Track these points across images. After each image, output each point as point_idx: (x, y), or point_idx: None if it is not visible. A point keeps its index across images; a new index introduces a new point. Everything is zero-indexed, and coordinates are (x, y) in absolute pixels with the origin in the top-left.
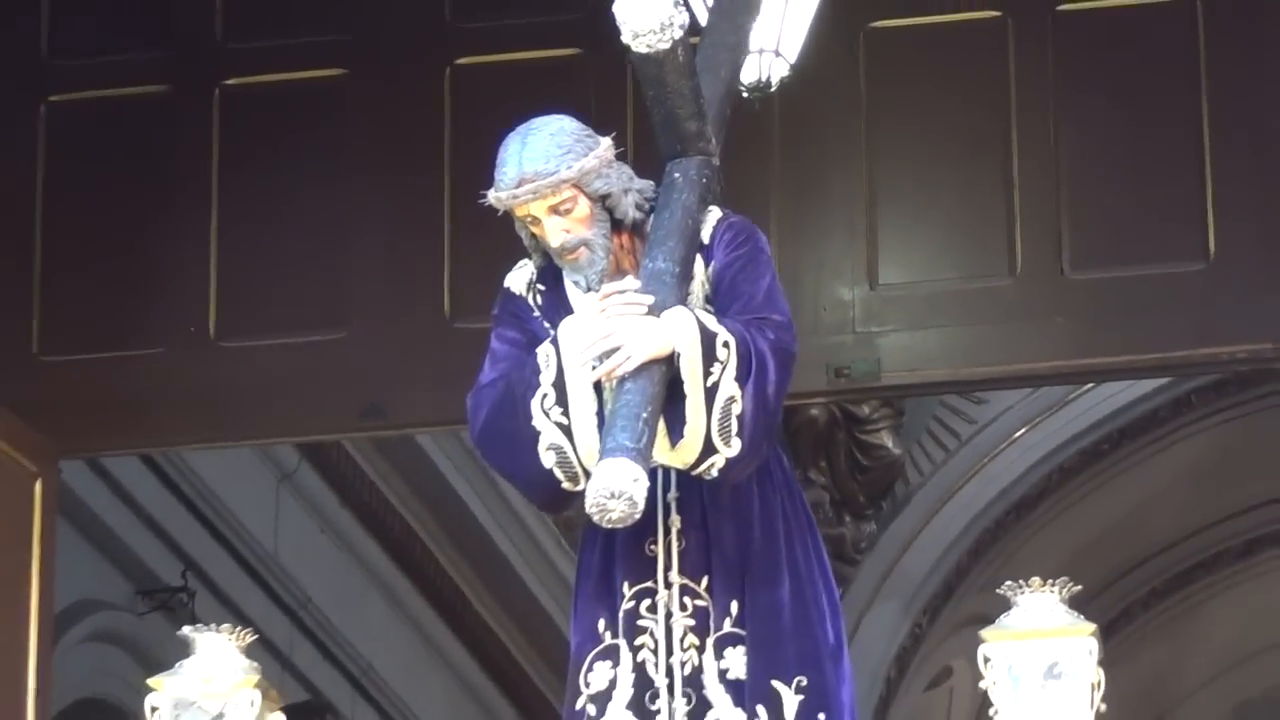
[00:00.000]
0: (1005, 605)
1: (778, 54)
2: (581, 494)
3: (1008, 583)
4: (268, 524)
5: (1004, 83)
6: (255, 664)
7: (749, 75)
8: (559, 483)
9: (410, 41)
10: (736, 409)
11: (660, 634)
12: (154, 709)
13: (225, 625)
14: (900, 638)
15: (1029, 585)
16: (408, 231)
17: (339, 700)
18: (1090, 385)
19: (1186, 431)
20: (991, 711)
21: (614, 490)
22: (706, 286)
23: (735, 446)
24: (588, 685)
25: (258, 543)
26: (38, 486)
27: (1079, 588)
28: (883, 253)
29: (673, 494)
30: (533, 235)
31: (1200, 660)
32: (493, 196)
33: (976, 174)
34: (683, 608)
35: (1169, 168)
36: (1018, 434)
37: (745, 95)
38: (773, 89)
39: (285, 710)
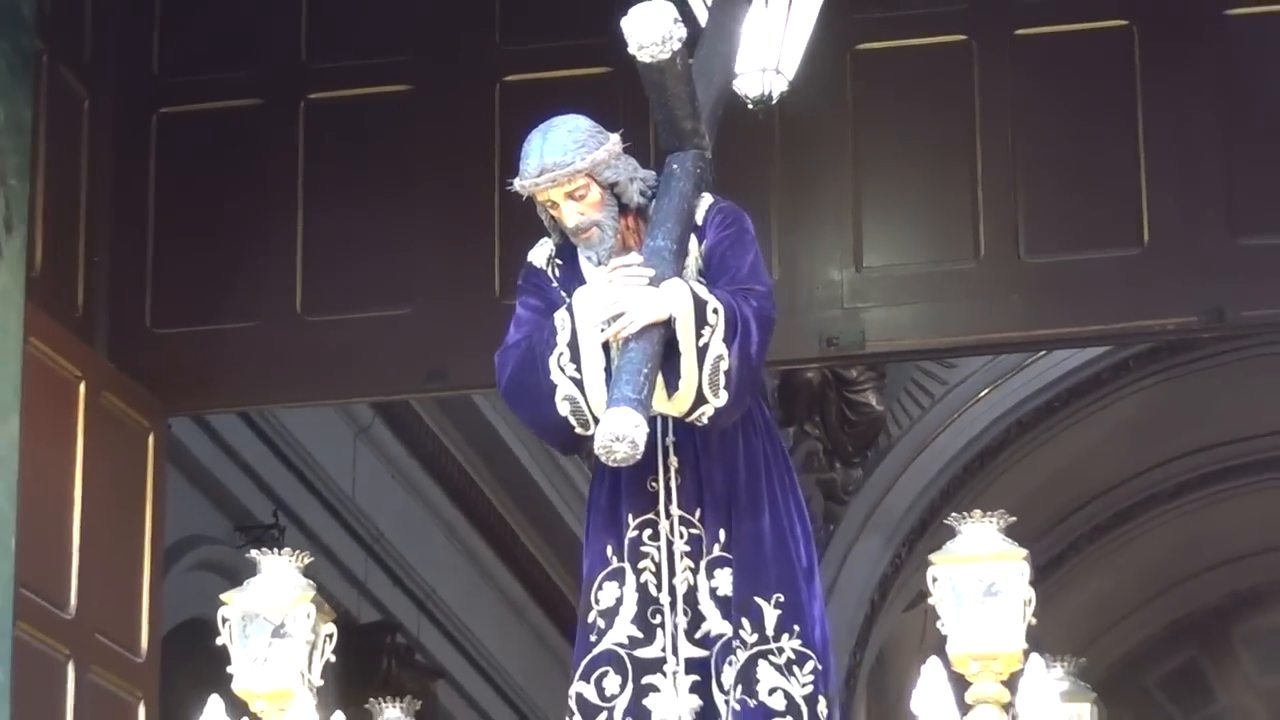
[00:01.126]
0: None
1: (778, 72)
2: (591, 438)
3: (953, 514)
4: (346, 471)
5: (969, 97)
6: (311, 582)
7: (753, 90)
8: (572, 428)
9: (466, 61)
10: (724, 365)
11: (660, 558)
12: (225, 620)
13: (288, 550)
14: (883, 567)
15: (970, 517)
16: (464, 223)
17: (406, 620)
18: (1042, 353)
19: (1124, 392)
20: (939, 624)
21: (618, 434)
22: (700, 262)
23: (723, 397)
24: (597, 602)
25: (337, 486)
26: (150, 440)
27: (1013, 519)
28: (866, 241)
29: (670, 438)
30: (552, 217)
31: (1136, 586)
32: (518, 184)
33: (946, 174)
34: (679, 535)
35: (1109, 168)
36: (981, 394)
37: (750, 107)
38: (774, 102)
39: (364, 629)
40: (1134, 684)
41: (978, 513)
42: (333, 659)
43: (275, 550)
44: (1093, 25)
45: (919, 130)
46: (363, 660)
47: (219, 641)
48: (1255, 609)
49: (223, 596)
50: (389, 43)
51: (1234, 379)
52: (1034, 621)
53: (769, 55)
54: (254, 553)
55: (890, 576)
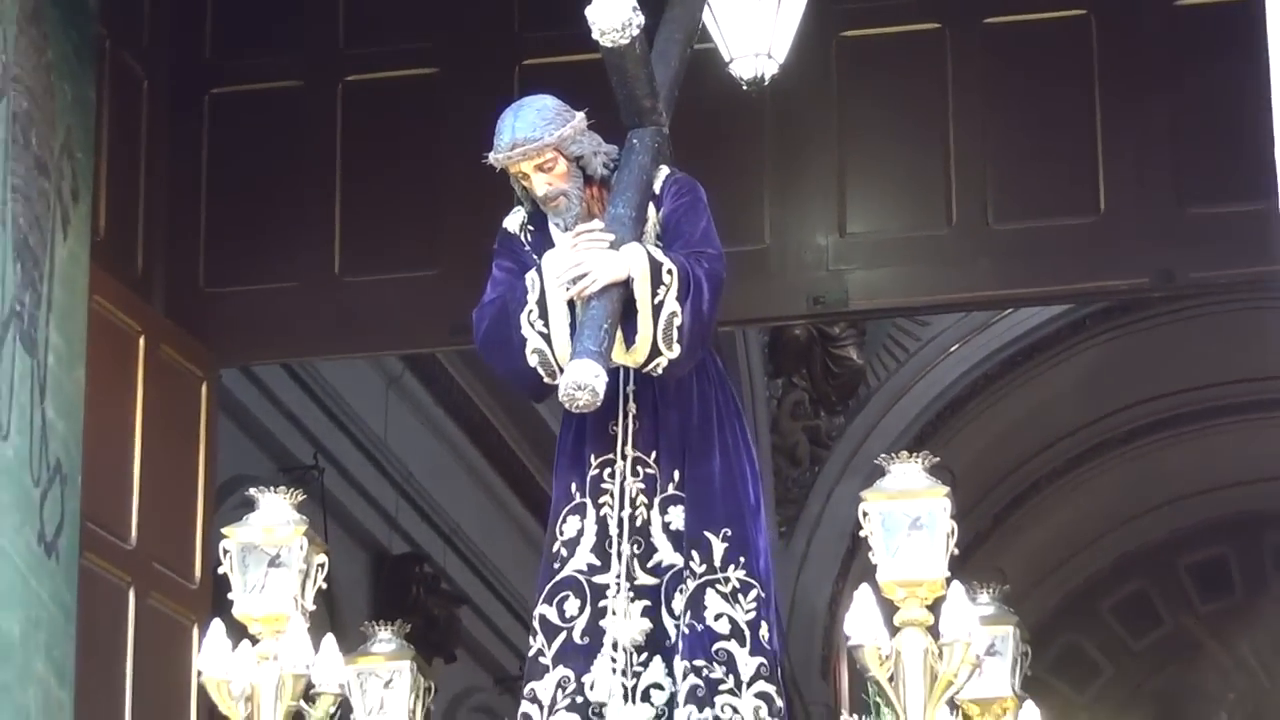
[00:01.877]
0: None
1: (769, 57)
2: (557, 386)
3: (882, 455)
4: (379, 417)
5: (943, 79)
6: (303, 517)
7: (747, 73)
8: (540, 378)
9: (487, 47)
10: (677, 321)
11: (617, 494)
12: (226, 551)
13: (282, 488)
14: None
15: (897, 456)
16: (484, 193)
17: (433, 551)
18: (1009, 310)
19: (1082, 347)
20: (870, 554)
21: (581, 383)
22: (657, 227)
23: (676, 350)
24: (561, 534)
25: (371, 431)
26: (203, 388)
27: (937, 459)
28: (849, 210)
29: (630, 387)
30: (524, 187)
31: (1091, 522)
32: (492, 157)
33: (921, 150)
34: (635, 474)
35: (1069, 144)
36: (952, 348)
37: (744, 89)
38: (765, 84)
39: (395, 559)
40: (1089, 610)
41: (904, 452)
42: (355, 577)
43: (323, 493)
44: (1054, 14)
45: (897, 110)
46: (395, 588)
47: (219, 570)
48: (1197, 543)
49: (223, 530)
50: (418, 30)
51: (1180, 336)
52: (956, 552)
53: (761, 41)
54: (251, 490)
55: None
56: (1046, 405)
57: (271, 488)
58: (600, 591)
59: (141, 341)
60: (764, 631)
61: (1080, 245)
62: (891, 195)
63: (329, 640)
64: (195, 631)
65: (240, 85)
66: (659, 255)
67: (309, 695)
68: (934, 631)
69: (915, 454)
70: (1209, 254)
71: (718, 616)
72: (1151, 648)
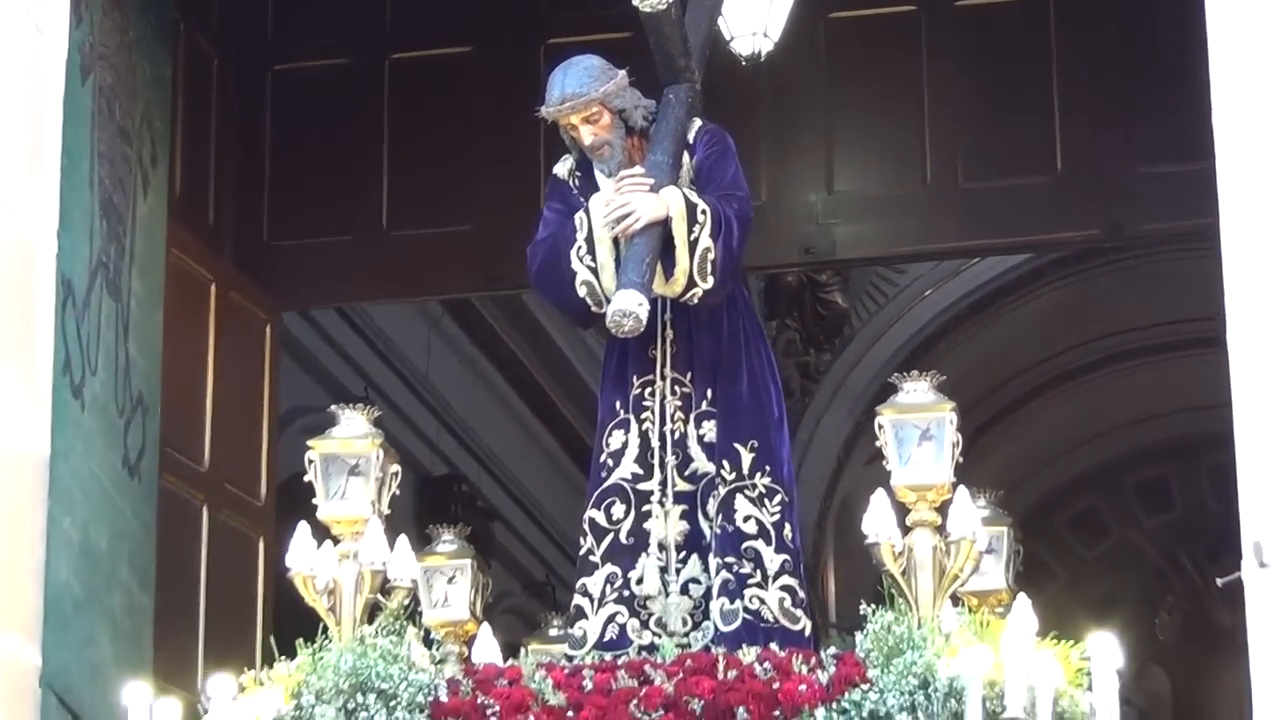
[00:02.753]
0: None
1: (765, 35)
2: (604, 315)
3: (895, 375)
4: (421, 355)
5: (918, 55)
6: (379, 431)
7: (746, 49)
8: (589, 307)
9: (517, 28)
10: (711, 256)
11: (657, 411)
12: (310, 461)
13: (360, 404)
14: (846, 431)
15: (910, 376)
16: (515, 157)
17: (469, 473)
18: (976, 260)
19: (1040, 291)
20: (885, 463)
21: (626, 311)
22: (691, 173)
23: (710, 281)
24: (607, 446)
25: (415, 367)
26: (267, 330)
27: (944, 378)
28: (836, 171)
29: (668, 315)
30: (572, 138)
31: (1048, 445)
32: (544, 110)
33: (900, 118)
34: (673, 393)
35: (1030, 111)
36: (926, 293)
37: (744, 63)
38: (762, 59)
39: (436, 480)
40: (1046, 523)
41: (915, 372)
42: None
43: (373, 421)
44: None
45: (877, 82)
46: (435, 505)
47: (306, 479)
48: (1142, 464)
49: (309, 443)
50: (455, 13)
51: (1128, 281)
52: (961, 460)
53: (758, 22)
54: (333, 407)
55: (852, 439)
56: (1009, 343)
57: (350, 405)
58: (644, 497)
59: (213, 288)
60: (787, 532)
61: (1039, 201)
62: (873, 158)
63: (402, 540)
64: (260, 544)
65: (298, 63)
66: (693, 197)
67: (384, 589)
68: (941, 531)
69: (923, 373)
70: (1154, 209)
71: (746, 518)
72: (1101, 556)
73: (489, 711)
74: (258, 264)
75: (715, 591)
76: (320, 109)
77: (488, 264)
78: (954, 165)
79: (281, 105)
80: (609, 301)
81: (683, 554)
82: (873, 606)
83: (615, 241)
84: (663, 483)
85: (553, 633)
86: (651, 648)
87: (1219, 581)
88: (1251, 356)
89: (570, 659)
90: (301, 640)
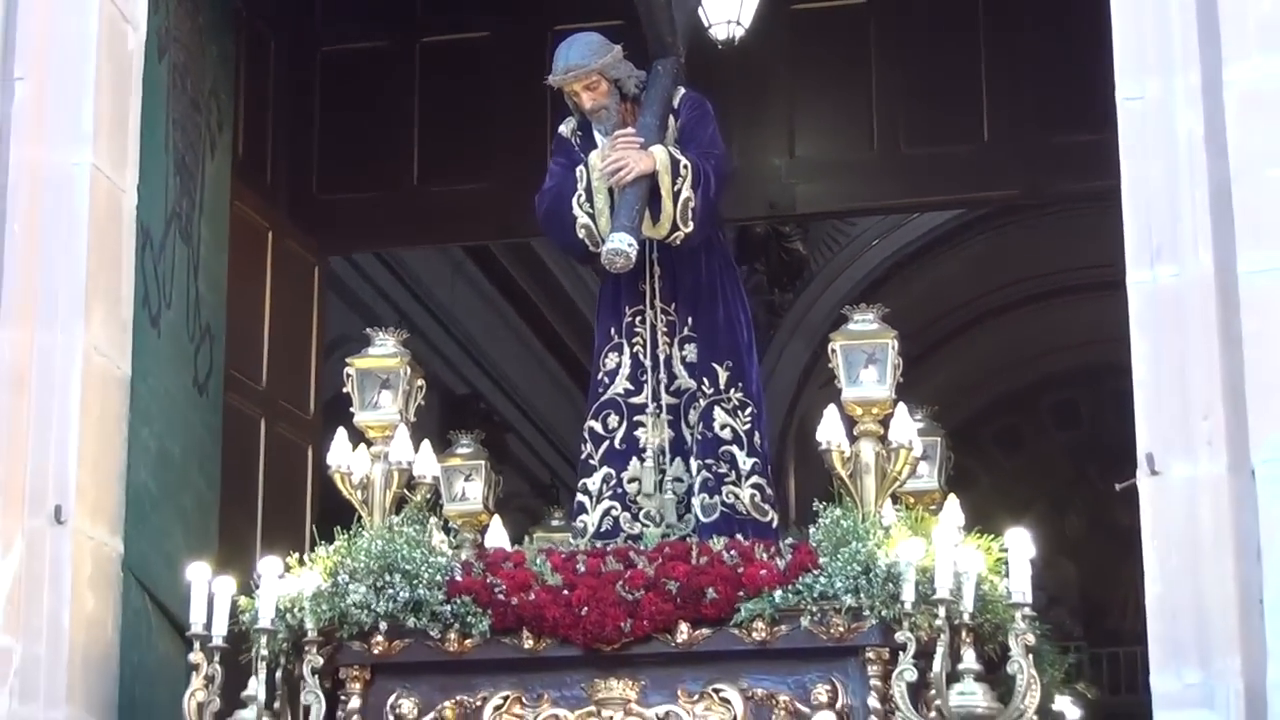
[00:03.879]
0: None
1: (738, 24)
2: (600, 253)
3: (846, 307)
4: (447, 293)
5: (867, 41)
6: (408, 351)
7: (722, 35)
8: (587, 246)
9: (525, 14)
10: (691, 204)
11: (646, 335)
12: (349, 376)
13: (390, 328)
14: (805, 359)
15: (858, 309)
16: (526, 126)
17: (486, 391)
18: (915, 214)
19: (969, 242)
20: (836, 381)
21: (618, 250)
22: (675, 133)
23: (690, 225)
24: (603, 366)
25: (441, 303)
26: (315, 271)
27: (887, 310)
28: (796, 139)
29: (655, 254)
30: (574, 102)
31: (975, 372)
32: (552, 79)
33: (851, 93)
34: (660, 320)
35: (961, 90)
36: (874, 242)
37: (720, 47)
38: (735, 43)
39: (458, 398)
40: (974, 438)
41: (863, 305)
42: (428, 410)
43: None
44: None
45: (833, 63)
46: (457, 420)
47: (345, 390)
48: (1055, 388)
49: (348, 360)
50: (475, 3)
51: (1044, 233)
52: (901, 380)
53: (733, 11)
54: (368, 330)
55: (810, 366)
56: (943, 285)
57: (383, 328)
58: (635, 409)
59: (269, 236)
60: (757, 439)
61: (968, 165)
62: (828, 128)
63: (425, 443)
64: (309, 450)
65: (343, 45)
66: (677, 154)
67: (410, 485)
68: (883, 440)
69: (869, 305)
70: (1065, 172)
71: (723, 426)
72: (1019, 466)
73: (496, 590)
74: (307, 215)
75: (696, 488)
76: (361, 84)
77: (502, 216)
78: (897, 134)
79: (328, 81)
80: (604, 242)
81: (668, 457)
82: (824, 504)
83: (610, 191)
84: (651, 397)
85: (554, 524)
86: (638, 537)
87: (1117, 487)
88: (1145, 298)
89: (570, 546)
90: (340, 529)
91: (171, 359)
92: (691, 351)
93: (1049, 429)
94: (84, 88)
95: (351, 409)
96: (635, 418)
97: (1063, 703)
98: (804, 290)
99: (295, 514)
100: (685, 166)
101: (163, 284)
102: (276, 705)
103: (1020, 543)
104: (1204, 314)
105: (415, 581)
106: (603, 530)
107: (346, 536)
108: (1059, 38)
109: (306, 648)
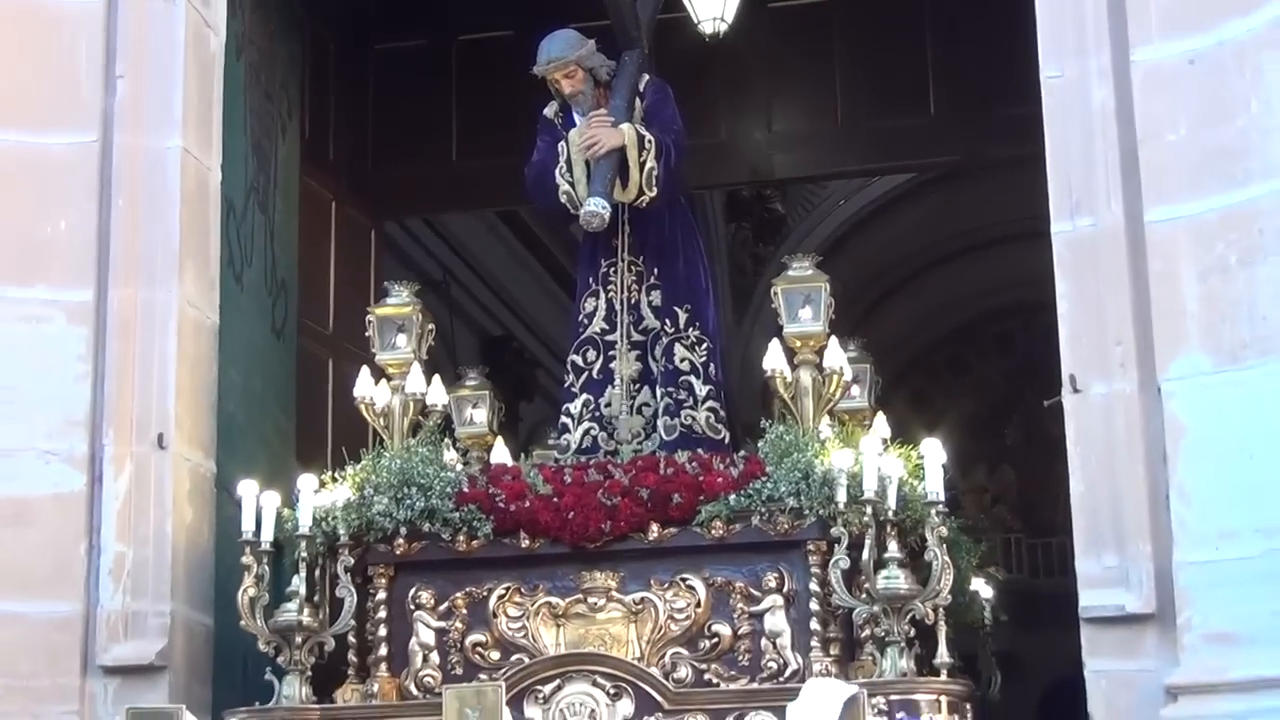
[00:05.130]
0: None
1: (723, 20)
2: (579, 215)
3: (785, 256)
4: (483, 249)
5: (832, 35)
6: (420, 302)
7: (708, 29)
8: (568, 210)
9: (543, 15)
10: (655, 173)
11: (618, 283)
12: (370, 322)
13: (406, 281)
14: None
15: (797, 258)
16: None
17: (518, 333)
18: (875, 178)
19: (922, 199)
20: (779, 320)
21: (594, 212)
22: (642, 114)
23: (654, 190)
24: (583, 310)
25: (477, 258)
26: (371, 234)
27: (820, 257)
28: (774, 116)
29: (625, 215)
30: (556, 88)
31: (928, 309)
32: (536, 69)
33: (819, 78)
34: (629, 270)
35: (912, 72)
36: (840, 203)
37: (708, 40)
38: (720, 37)
39: (494, 339)
40: (928, 364)
41: (800, 254)
42: (468, 350)
43: (450, 300)
44: None
45: (804, 52)
46: (494, 356)
47: (367, 332)
48: (995, 321)
49: (369, 309)
50: (502, 5)
51: (982, 192)
52: (833, 317)
53: (717, 9)
54: (387, 283)
55: None
56: (899, 236)
57: (398, 283)
58: (609, 345)
59: (332, 205)
60: (712, 369)
61: (918, 135)
62: (800, 106)
63: (436, 377)
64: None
65: (391, 44)
66: (643, 130)
67: (424, 412)
68: (819, 368)
69: (804, 255)
70: (999, 140)
71: (682, 360)
72: (966, 386)
73: (497, 499)
74: (364, 187)
75: (660, 412)
76: (407, 76)
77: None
78: (857, 111)
79: (379, 74)
80: (582, 205)
81: (637, 385)
82: (770, 422)
83: (586, 163)
84: (623, 335)
85: (550, 443)
86: (614, 453)
87: (1046, 403)
88: (1066, 245)
89: (557, 461)
90: (362, 450)
91: (252, 309)
92: (656, 296)
93: (990, 356)
94: (174, 83)
95: (373, 349)
96: (609, 352)
97: (977, 583)
98: (783, 243)
99: (359, 438)
100: (650, 141)
101: (244, 247)
102: (315, 599)
103: (934, 451)
104: (1115, 257)
105: (429, 493)
106: (584, 447)
107: (371, 456)
108: (992, 28)
109: (339, 550)
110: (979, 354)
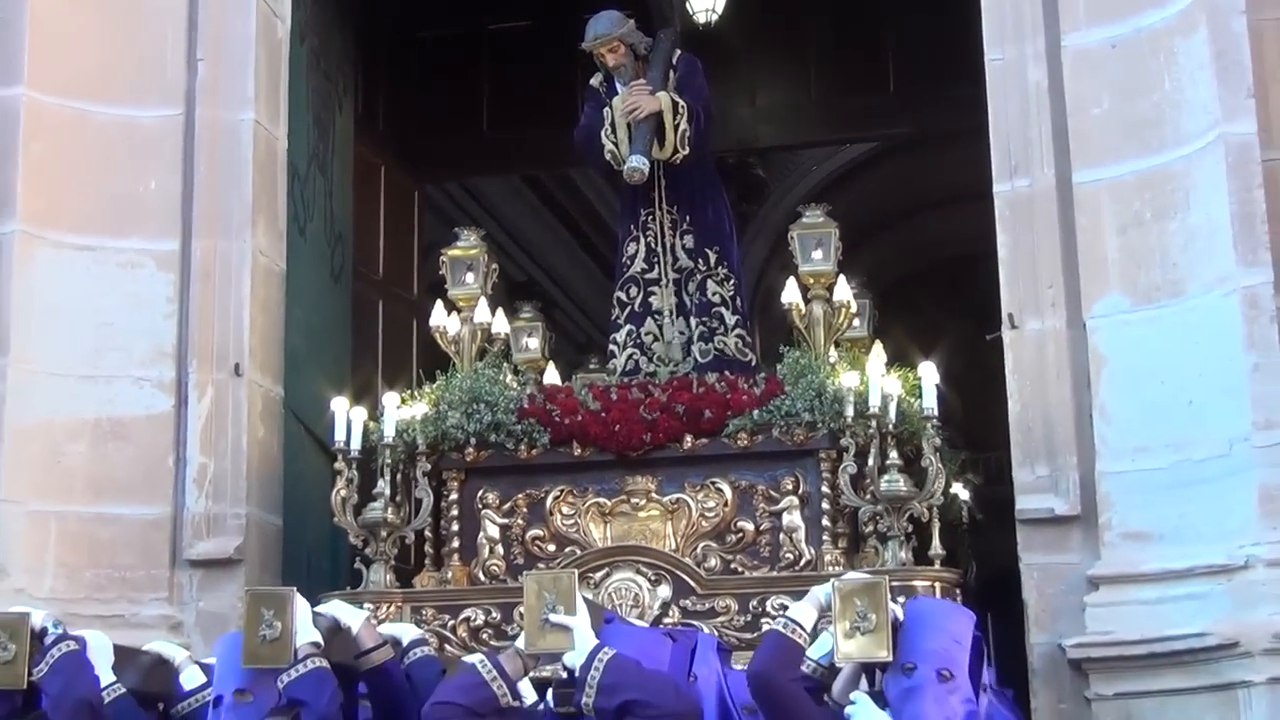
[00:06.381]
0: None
1: (715, 11)
2: (622, 170)
3: (801, 205)
4: (512, 208)
5: (807, 23)
6: (484, 244)
7: (702, 19)
8: (612, 166)
9: (562, 9)
10: (687, 134)
11: (656, 228)
12: (443, 261)
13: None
14: (765, 254)
15: (811, 207)
16: (559, 89)
17: (540, 280)
18: (845, 146)
19: (884, 165)
20: (794, 260)
21: (635, 167)
22: (675, 84)
23: (686, 149)
24: (626, 252)
25: (506, 217)
26: (416, 195)
27: (830, 208)
28: (757, 93)
29: (661, 170)
30: (601, 61)
31: (890, 260)
32: (585, 45)
33: (796, 60)
34: (667, 216)
35: (876, 56)
36: (813, 168)
37: (701, 28)
38: (712, 25)
39: (520, 284)
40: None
41: (814, 204)
42: (496, 293)
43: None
44: None
45: (783, 38)
46: (519, 299)
47: (441, 271)
48: (947, 268)
49: (443, 250)
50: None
51: (935, 158)
52: (841, 258)
53: (710, 2)
54: (456, 229)
55: (769, 258)
56: (864, 198)
57: (466, 230)
58: (650, 283)
59: (382, 170)
60: (738, 302)
61: (881, 110)
62: (779, 84)
63: (500, 310)
64: (414, 322)
65: (432, 32)
66: (676, 98)
67: (489, 339)
68: (829, 302)
69: (815, 204)
70: (950, 114)
71: (713, 293)
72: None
73: (553, 414)
74: (408, 155)
75: (694, 339)
76: (446, 60)
77: (550, 154)
78: (829, 89)
79: (422, 58)
80: (625, 162)
81: (674, 316)
82: (788, 348)
83: (628, 125)
84: (661, 273)
85: (590, 368)
86: (653, 374)
87: (988, 337)
88: (1006, 202)
89: (605, 382)
90: (439, 372)
91: (314, 258)
92: (689, 240)
93: (940, 298)
94: (247, 65)
95: (445, 287)
96: (649, 289)
97: (957, 487)
98: (764, 204)
99: (402, 367)
100: (682, 107)
101: (307, 205)
102: (398, 499)
103: (929, 373)
104: (1048, 213)
105: (495, 409)
106: (627, 370)
107: (445, 377)
108: (944, 17)
109: (418, 457)
110: (930, 296)
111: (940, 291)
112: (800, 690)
